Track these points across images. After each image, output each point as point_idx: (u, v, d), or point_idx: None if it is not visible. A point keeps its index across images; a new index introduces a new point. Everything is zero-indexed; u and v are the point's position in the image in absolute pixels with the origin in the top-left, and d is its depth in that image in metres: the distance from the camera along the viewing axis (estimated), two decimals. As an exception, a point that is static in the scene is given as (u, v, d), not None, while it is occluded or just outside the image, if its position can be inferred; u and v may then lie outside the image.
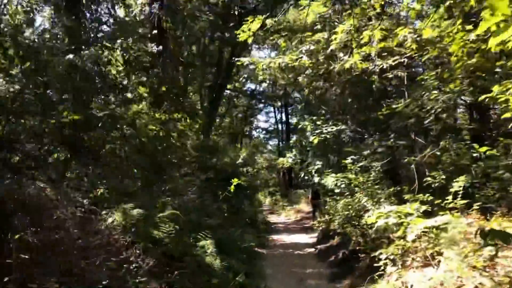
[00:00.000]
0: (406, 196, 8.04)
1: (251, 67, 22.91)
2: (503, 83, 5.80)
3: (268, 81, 29.06)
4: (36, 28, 12.95)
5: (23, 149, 6.16)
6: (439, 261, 5.44)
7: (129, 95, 8.89)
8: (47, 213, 5.69)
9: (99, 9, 12.11)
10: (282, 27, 17.93)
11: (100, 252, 5.82)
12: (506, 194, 7.10)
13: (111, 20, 12.50)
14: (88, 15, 11.07)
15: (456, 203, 6.33)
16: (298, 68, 10.93)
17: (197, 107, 21.76)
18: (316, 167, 16.23)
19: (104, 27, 11.41)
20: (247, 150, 20.90)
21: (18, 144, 6.04)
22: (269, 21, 5.82)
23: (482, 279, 4.39)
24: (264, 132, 43.68)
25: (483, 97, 6.15)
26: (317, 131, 12.85)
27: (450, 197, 6.45)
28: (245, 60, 10.28)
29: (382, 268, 6.51)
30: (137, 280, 5.44)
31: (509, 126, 6.76)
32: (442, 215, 5.87)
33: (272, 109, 40.55)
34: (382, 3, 6.79)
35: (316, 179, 16.07)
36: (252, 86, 35.11)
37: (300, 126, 16.42)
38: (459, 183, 6.61)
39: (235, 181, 7.59)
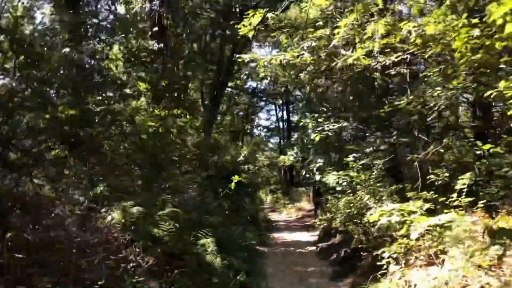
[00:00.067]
0: (409, 194, 7.96)
1: (252, 64, 22.85)
2: (510, 78, 5.70)
3: (269, 78, 28.97)
4: (37, 25, 12.93)
5: (20, 146, 6.08)
6: (444, 260, 5.36)
7: (128, 90, 8.80)
8: (45, 211, 5.61)
9: (99, 5, 12.03)
10: (283, 24, 17.81)
11: (99, 250, 5.74)
12: (510, 192, 7.01)
13: (111, 17, 12.41)
14: (87, 11, 10.97)
15: (460, 201, 6.24)
16: (300, 65, 10.84)
17: (198, 104, 21.70)
18: (317, 165, 16.13)
19: (104, 24, 11.30)
20: (248, 148, 20.78)
21: (15, 141, 5.96)
22: (270, 15, 5.73)
23: (489, 278, 4.30)
24: (265, 130, 43.51)
25: (488, 93, 6.04)
26: (318, 129, 12.74)
27: (454, 195, 6.36)
28: (246, 57, 10.19)
29: (385, 267, 6.43)
30: (134, 280, 5.34)
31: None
32: (446, 213, 5.78)
33: (273, 107, 40.45)
34: (385, -1, 6.70)
35: (317, 177, 15.97)
36: (253, 84, 35.01)
37: (301, 124, 16.31)
38: (463, 181, 6.52)
39: (235, 178, 7.50)
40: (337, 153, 15.77)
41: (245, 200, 15.79)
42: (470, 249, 4.84)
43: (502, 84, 5.73)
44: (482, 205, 6.26)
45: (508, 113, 6.26)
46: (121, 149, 8.34)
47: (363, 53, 7.15)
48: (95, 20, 10.65)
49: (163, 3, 13.95)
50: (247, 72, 29.56)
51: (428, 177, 8.26)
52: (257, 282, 8.35)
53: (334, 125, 12.56)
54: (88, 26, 9.87)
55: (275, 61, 9.02)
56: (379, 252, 6.66)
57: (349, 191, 10.95)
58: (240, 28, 6.32)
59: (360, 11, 7.16)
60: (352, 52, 7.74)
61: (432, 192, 7.09)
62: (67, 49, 6.73)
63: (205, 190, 10.86)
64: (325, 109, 14.99)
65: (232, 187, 7.77)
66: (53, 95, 6.97)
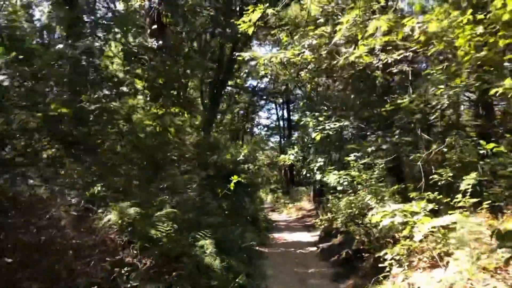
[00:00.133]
0: (412, 194, 7.84)
1: (252, 63, 22.72)
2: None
3: (269, 77, 28.90)
4: (34, 22, 12.79)
5: (13, 145, 5.95)
6: (448, 262, 5.23)
7: (124, 88, 8.64)
8: (40, 211, 5.48)
9: (97, 2, 11.89)
10: (284, 23, 17.71)
11: (95, 252, 5.63)
12: (515, 192, 6.89)
13: (110, 14, 12.27)
14: (85, 8, 10.83)
15: (465, 202, 6.11)
16: (300, 63, 10.71)
17: (197, 102, 21.58)
18: (318, 164, 16.02)
19: (102, 21, 11.16)
20: (248, 147, 20.64)
21: (8, 140, 5.83)
22: (270, 11, 5.60)
23: (495, 282, 4.16)
24: (265, 129, 43.41)
25: (494, 90, 5.92)
26: (319, 128, 12.63)
27: (459, 196, 6.23)
28: (246, 55, 10.06)
29: (387, 269, 6.31)
30: (129, 286, 5.21)
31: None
32: (451, 214, 5.65)
33: (273, 105, 40.32)
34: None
35: (318, 177, 15.85)
36: (254, 83, 34.89)
37: (302, 123, 16.20)
38: (467, 181, 6.39)
39: (234, 178, 7.37)
40: (337, 152, 15.66)
41: (245, 200, 15.66)
42: (476, 251, 4.70)
43: (507, 82, 5.61)
44: (487, 206, 6.13)
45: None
46: (118, 148, 8.19)
47: (365, 50, 7.01)
48: (93, 17, 10.53)
49: (162, 1, 13.81)
50: (247, 71, 29.47)
51: (431, 177, 8.14)
52: (257, 284, 8.23)
53: (335, 124, 12.47)
54: (86, 23, 9.74)
55: (275, 59, 8.90)
56: (382, 253, 6.54)
57: (350, 191, 10.84)
58: (239, 25, 6.17)
59: (361, 8, 7.03)
60: (354, 49, 7.61)
61: (437, 193, 6.96)
62: (60, 45, 6.58)
63: (204, 190, 10.72)
64: (326, 108, 14.88)
65: (231, 188, 7.65)
66: (48, 93, 6.78)
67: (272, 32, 19.04)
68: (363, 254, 8.62)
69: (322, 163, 15.65)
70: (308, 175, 17.34)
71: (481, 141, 7.97)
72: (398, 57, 8.07)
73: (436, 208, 6.55)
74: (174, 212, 7.27)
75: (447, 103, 8.75)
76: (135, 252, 6.17)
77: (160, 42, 12.28)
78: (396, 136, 10.78)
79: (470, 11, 5.80)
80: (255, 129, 44.32)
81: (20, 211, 5.23)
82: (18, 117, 5.62)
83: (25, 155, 6.10)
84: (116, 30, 9.82)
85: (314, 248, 12.91)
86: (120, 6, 14.72)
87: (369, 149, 11.55)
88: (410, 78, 10.83)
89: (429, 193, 7.03)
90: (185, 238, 7.37)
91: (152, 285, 5.67)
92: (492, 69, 7.48)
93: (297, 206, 25.84)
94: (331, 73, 12.37)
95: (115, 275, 5.20)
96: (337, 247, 11.23)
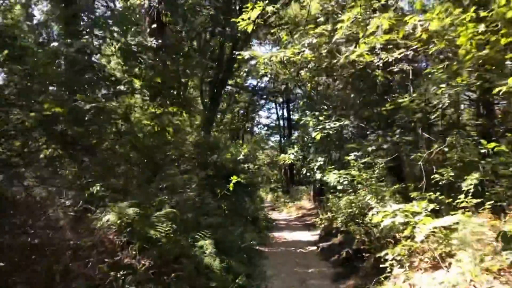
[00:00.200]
0: (413, 194, 7.79)
1: (252, 62, 22.65)
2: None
3: (269, 76, 28.85)
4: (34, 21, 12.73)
5: (9, 145, 5.88)
6: (450, 263, 5.17)
7: (122, 87, 8.56)
8: (37, 212, 5.42)
9: (96, 1, 11.82)
10: (284, 22, 17.64)
11: (93, 253, 5.57)
12: (517, 192, 6.82)
13: (109, 13, 12.21)
14: (82, 5, 10.75)
15: (468, 202, 6.05)
16: (300, 62, 10.66)
17: (196, 102, 21.51)
18: (318, 164, 15.97)
19: (100, 19, 11.08)
20: (248, 146, 20.59)
21: (3, 140, 5.76)
22: (269, 9, 5.54)
23: (499, 285, 4.11)
24: (265, 128, 43.39)
25: (497, 89, 5.86)
26: (319, 127, 12.58)
27: (462, 196, 6.17)
28: (246, 54, 9.98)
29: (388, 269, 6.25)
30: (127, 287, 5.15)
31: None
32: (453, 214, 5.60)
33: (273, 105, 40.26)
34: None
35: (318, 176, 15.81)
36: (254, 82, 34.85)
37: (302, 122, 16.16)
38: (469, 181, 6.34)
39: (234, 178, 7.31)
40: (338, 151, 15.61)
41: (245, 200, 15.61)
42: (479, 253, 4.64)
43: (511, 81, 5.55)
44: (489, 206, 6.07)
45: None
46: (116, 148, 8.12)
47: (367, 48, 6.95)
48: (92, 16, 10.45)
49: (162, 0, 13.74)
50: (247, 70, 29.42)
51: (432, 176, 8.08)
52: (257, 284, 8.17)
53: (335, 123, 12.42)
54: (83, 21, 9.64)
55: (275, 58, 8.83)
56: (382, 254, 6.48)
57: (350, 190, 10.79)
58: (239, 22, 6.11)
59: (362, 6, 6.97)
60: (355, 48, 7.55)
61: (439, 193, 6.90)
62: (55, 44, 6.50)
63: (204, 190, 10.66)
64: (326, 107, 14.84)
65: (231, 188, 7.59)
66: (42, 92, 6.69)
67: (272, 31, 18.98)
68: (364, 254, 8.56)
69: (322, 162, 15.61)
70: (308, 174, 17.30)
71: (482, 140, 7.92)
72: (399, 56, 8.01)
73: (437, 208, 6.50)
74: (174, 212, 7.21)
75: (448, 102, 8.69)
76: (134, 252, 6.11)
77: (160, 41, 12.24)
78: (397, 136, 10.73)
79: (473, 8, 5.73)
80: (255, 129, 44.33)
81: (17, 212, 5.17)
82: (13, 116, 5.55)
83: (22, 155, 6.03)
84: (115, 28, 9.73)
85: (314, 247, 12.85)
86: (119, 5, 14.66)
87: (370, 149, 11.50)
88: (410, 77, 10.77)
89: (431, 193, 6.98)
90: (185, 238, 7.31)
91: (151, 287, 5.62)
92: (493, 68, 7.43)
93: (297, 205, 25.82)
94: (331, 72, 12.34)
95: (113, 277, 5.13)
96: (337, 247, 11.18)
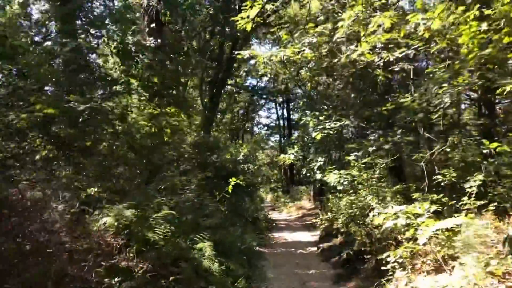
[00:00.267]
0: (415, 195, 7.69)
1: (252, 61, 22.52)
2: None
3: (269, 76, 28.75)
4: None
5: (3, 146, 5.78)
6: (453, 266, 5.08)
7: (118, 87, 8.44)
8: (32, 215, 5.33)
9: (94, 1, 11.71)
10: (283, 21, 17.56)
11: (90, 256, 5.47)
12: (520, 193, 6.74)
13: (107, 12, 12.11)
14: (81, 4, 10.65)
15: (471, 204, 5.96)
16: (300, 61, 10.57)
17: (197, 102, 21.45)
18: (318, 164, 15.90)
19: (97, 18, 10.97)
20: (248, 146, 20.52)
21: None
22: (268, 7, 5.44)
23: (504, 289, 4.01)
24: (265, 128, 43.35)
25: (501, 89, 5.77)
26: (319, 127, 12.50)
27: (465, 198, 6.08)
28: (245, 53, 9.88)
29: (390, 272, 6.15)
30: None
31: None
32: (456, 216, 5.50)
33: (273, 105, 40.20)
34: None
35: (318, 176, 15.73)
36: (253, 82, 34.80)
37: (302, 122, 16.10)
38: (472, 182, 6.24)
39: (233, 180, 7.22)
40: (338, 151, 15.53)
41: (245, 200, 15.52)
42: (484, 256, 4.54)
43: (515, 80, 5.47)
44: (492, 208, 5.98)
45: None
46: (113, 149, 8.01)
47: (368, 47, 6.86)
48: (90, 16, 10.35)
49: (161, -1, 13.66)
50: (246, 69, 29.37)
51: (434, 177, 7.99)
52: (257, 286, 8.08)
53: (335, 123, 12.32)
54: (81, 20, 9.54)
55: (275, 57, 8.74)
56: (384, 256, 6.38)
57: (350, 190, 10.70)
58: (237, 21, 6.00)
59: (363, 4, 6.88)
60: (355, 47, 7.45)
61: (442, 195, 6.80)
62: (49, 43, 6.39)
63: (203, 191, 10.56)
64: (326, 107, 14.75)
65: (230, 190, 7.49)
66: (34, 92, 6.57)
67: (272, 30, 18.90)
68: (365, 255, 8.48)
69: (322, 163, 15.54)
70: (308, 174, 17.24)
71: (484, 140, 7.83)
72: (400, 55, 7.93)
73: (440, 210, 6.41)
74: (172, 214, 7.12)
75: (449, 102, 8.60)
76: (131, 255, 6.01)
77: (159, 40, 12.15)
78: (398, 136, 10.63)
79: (477, 6, 5.64)
80: (255, 128, 44.31)
81: (12, 214, 5.08)
82: (7, 117, 5.45)
83: (17, 157, 5.93)
84: (114, 28, 9.63)
85: (315, 248, 12.76)
86: (118, 4, 14.56)
87: (370, 149, 11.40)
88: (411, 76, 10.68)
89: (434, 194, 6.88)
90: (183, 240, 7.21)
91: (148, 290, 5.53)
92: (495, 67, 7.34)
93: (297, 205, 25.74)
94: (331, 72, 12.25)
95: (109, 280, 5.04)
96: (338, 248, 11.10)
